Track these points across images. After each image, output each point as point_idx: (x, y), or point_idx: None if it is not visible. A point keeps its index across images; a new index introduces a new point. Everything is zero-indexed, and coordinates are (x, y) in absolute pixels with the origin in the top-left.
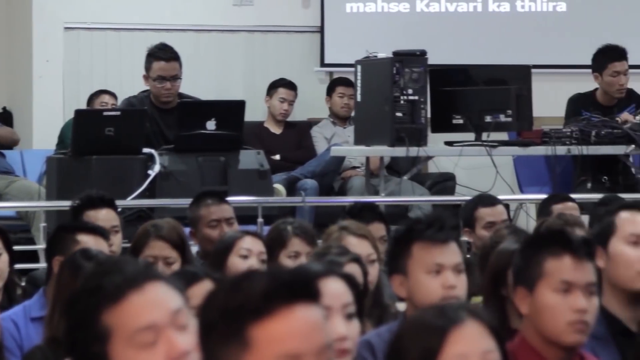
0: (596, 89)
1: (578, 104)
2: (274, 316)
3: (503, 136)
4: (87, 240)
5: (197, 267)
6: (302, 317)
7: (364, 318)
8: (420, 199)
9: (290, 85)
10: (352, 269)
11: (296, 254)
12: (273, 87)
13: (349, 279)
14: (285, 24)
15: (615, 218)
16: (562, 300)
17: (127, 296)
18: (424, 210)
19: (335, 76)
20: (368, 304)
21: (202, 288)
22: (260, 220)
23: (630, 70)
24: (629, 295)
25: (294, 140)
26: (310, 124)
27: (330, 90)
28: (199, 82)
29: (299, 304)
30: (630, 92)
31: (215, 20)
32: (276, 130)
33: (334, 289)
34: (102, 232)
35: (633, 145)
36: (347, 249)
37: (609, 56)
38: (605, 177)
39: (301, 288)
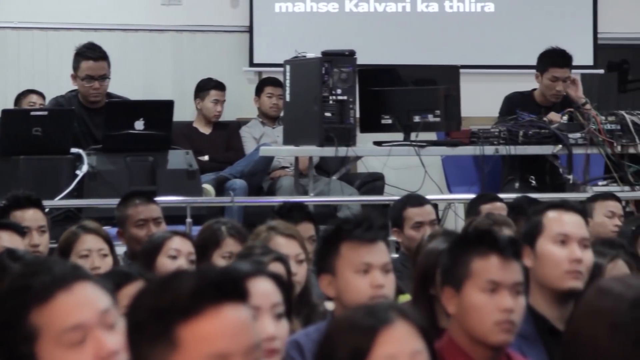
0: (535, 89)
1: (514, 103)
2: (202, 316)
3: (431, 136)
4: (1, 236)
5: (131, 267)
6: (230, 317)
7: (292, 318)
8: (349, 199)
9: (221, 86)
10: (276, 268)
11: (230, 255)
12: (204, 89)
13: (278, 279)
14: (214, 23)
15: (542, 218)
16: (488, 300)
17: (55, 296)
18: (353, 210)
19: (264, 76)
20: (296, 303)
21: (135, 288)
22: (188, 220)
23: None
24: (556, 294)
25: (223, 141)
26: (239, 124)
27: (258, 91)
28: (127, 82)
29: (227, 304)
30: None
31: (144, 19)
32: (205, 130)
33: (263, 289)
34: (17, 229)
35: (560, 145)
36: (271, 248)
37: (552, 61)
38: (532, 176)
39: (229, 288)
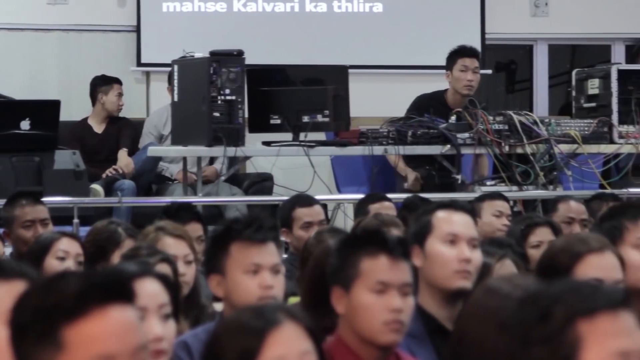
0: (447, 90)
1: (421, 104)
2: (87, 317)
3: (321, 136)
4: None
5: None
6: (116, 317)
7: (180, 318)
8: (237, 199)
9: (120, 80)
10: (163, 269)
11: None
12: (108, 82)
13: (165, 280)
14: (101, 23)
15: (431, 217)
16: (377, 300)
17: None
18: (241, 211)
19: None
20: (185, 304)
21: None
22: (76, 221)
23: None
24: (445, 294)
25: (116, 139)
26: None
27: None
28: (12, 82)
29: (113, 305)
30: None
31: (29, 18)
32: (99, 128)
33: (150, 290)
34: None
35: (449, 145)
36: (158, 249)
37: (460, 52)
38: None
39: (115, 289)
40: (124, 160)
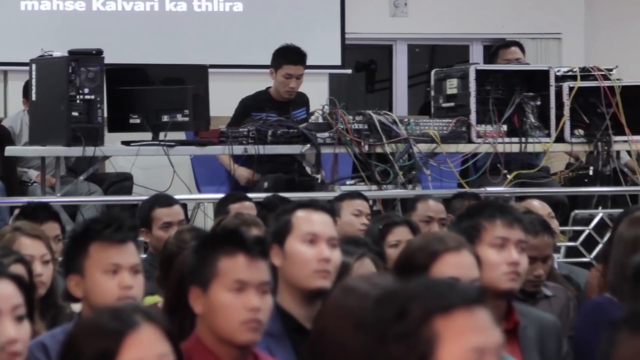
0: (270, 87)
1: (247, 107)
2: None
3: (180, 136)
4: None
5: None
6: None
7: (36, 319)
8: (96, 199)
9: None
10: (17, 270)
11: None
12: None
13: (19, 280)
14: None
15: (291, 217)
16: (235, 299)
17: None
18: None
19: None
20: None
21: None
22: None
23: (307, 71)
24: (304, 293)
25: None
26: None
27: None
28: None
29: None
30: (303, 96)
31: None
32: None
33: (3, 292)
34: None
35: (309, 145)
36: (12, 249)
37: (286, 58)
38: (282, 174)
39: None
40: None
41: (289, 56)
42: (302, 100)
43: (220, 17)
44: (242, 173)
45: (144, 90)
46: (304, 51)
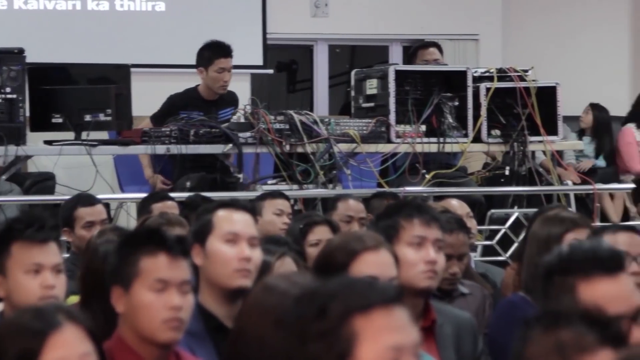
0: (198, 85)
1: (175, 104)
2: None
3: (103, 135)
4: None
5: None
6: None
7: None
8: (18, 199)
9: None
10: None
11: None
12: None
13: None
14: None
15: (212, 216)
16: (157, 298)
17: None
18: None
19: None
20: None
21: None
22: None
23: (232, 71)
24: (225, 292)
25: None
26: None
27: None
28: None
29: None
30: (232, 94)
31: None
32: None
33: None
34: None
35: (231, 144)
36: None
37: (215, 52)
38: (204, 174)
39: None
40: None
41: (219, 50)
42: (231, 99)
43: (143, 17)
44: (156, 182)
45: (66, 90)
46: (229, 44)
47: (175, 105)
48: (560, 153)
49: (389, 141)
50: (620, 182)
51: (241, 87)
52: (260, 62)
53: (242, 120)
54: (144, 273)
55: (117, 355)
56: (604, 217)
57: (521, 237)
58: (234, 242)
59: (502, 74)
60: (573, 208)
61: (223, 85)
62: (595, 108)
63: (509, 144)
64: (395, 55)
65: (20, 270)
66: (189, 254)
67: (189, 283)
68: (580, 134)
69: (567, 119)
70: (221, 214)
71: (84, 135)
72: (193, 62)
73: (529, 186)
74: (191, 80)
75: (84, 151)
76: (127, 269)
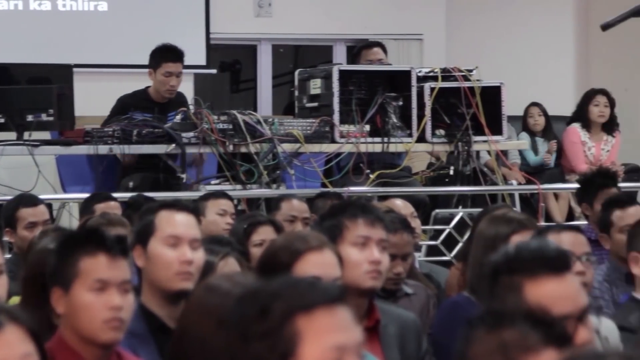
0: (149, 86)
1: (126, 105)
2: None
3: (45, 135)
4: None
5: None
6: None
7: None
8: None
9: None
10: None
11: None
12: None
13: None
14: None
15: (154, 218)
16: (97, 298)
17: None
18: None
19: None
20: None
21: None
22: None
23: None
24: (166, 294)
25: None
26: None
27: None
28: None
29: None
30: (181, 95)
31: None
32: None
33: None
34: None
35: (174, 145)
36: None
37: (164, 56)
38: (148, 174)
39: None
40: None
41: (168, 54)
42: (180, 101)
43: (85, 17)
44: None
45: (8, 90)
46: (181, 49)
47: (127, 106)
48: (504, 153)
49: (333, 141)
50: (565, 182)
51: (184, 87)
52: (203, 62)
53: (181, 120)
54: (83, 273)
55: (58, 356)
56: (549, 217)
57: (466, 237)
58: (176, 245)
59: (447, 74)
60: (518, 208)
61: (169, 89)
62: (539, 107)
63: (453, 143)
64: (339, 55)
65: None
66: (129, 253)
67: (129, 283)
68: (531, 135)
69: (511, 118)
70: (163, 215)
71: (26, 135)
72: (136, 62)
73: (474, 186)
74: (135, 80)
75: (26, 151)
76: (66, 269)
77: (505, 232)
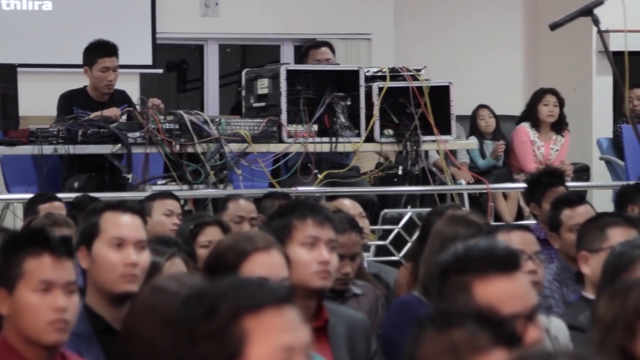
0: (87, 85)
1: (69, 101)
2: None
3: None
4: None
5: None
6: None
7: None
8: None
9: None
10: None
11: None
12: None
13: None
14: None
15: (99, 219)
16: (41, 299)
17: None
18: None
19: None
20: None
21: None
22: None
23: (120, 70)
24: (111, 296)
25: None
26: None
27: None
28: None
29: None
30: (122, 93)
31: None
32: None
33: None
34: None
35: (119, 145)
36: None
37: (99, 51)
38: (93, 174)
39: None
40: None
41: (103, 50)
42: (122, 98)
43: (29, 16)
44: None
45: None
46: (114, 43)
47: (70, 101)
48: (453, 152)
49: (281, 141)
50: (513, 181)
51: (130, 86)
52: (149, 62)
53: (125, 119)
54: (27, 274)
55: (1, 358)
56: (498, 217)
57: (415, 236)
58: (121, 247)
59: (395, 74)
60: (467, 207)
61: (107, 84)
62: (488, 109)
63: (401, 143)
64: (287, 54)
65: None
66: (74, 254)
67: (74, 284)
68: (480, 138)
69: (460, 118)
70: (108, 216)
71: None
72: (80, 62)
73: (422, 186)
74: (80, 80)
75: None
76: (10, 270)
77: (466, 234)
